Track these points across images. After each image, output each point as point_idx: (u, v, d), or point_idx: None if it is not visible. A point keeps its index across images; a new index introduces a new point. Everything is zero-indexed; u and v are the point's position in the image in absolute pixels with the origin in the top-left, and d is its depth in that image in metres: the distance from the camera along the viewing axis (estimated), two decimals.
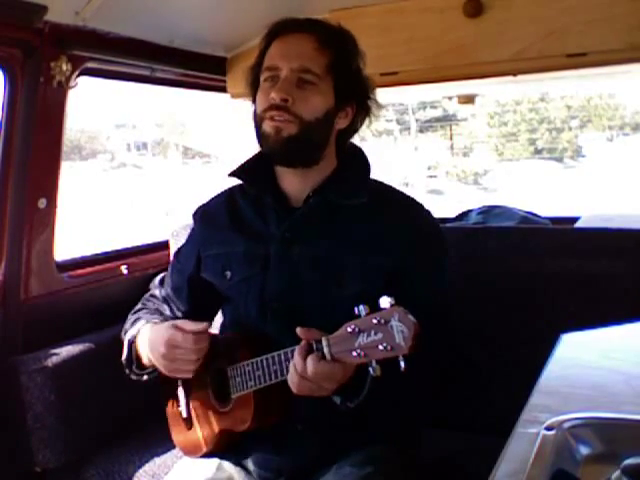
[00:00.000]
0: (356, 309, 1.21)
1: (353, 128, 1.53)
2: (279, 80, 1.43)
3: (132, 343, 1.57)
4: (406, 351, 1.16)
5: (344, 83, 1.46)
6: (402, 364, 1.17)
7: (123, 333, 1.64)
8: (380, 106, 1.54)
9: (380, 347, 1.17)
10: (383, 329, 1.18)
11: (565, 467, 0.84)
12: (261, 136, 1.46)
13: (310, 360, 1.24)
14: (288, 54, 1.45)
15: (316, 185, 1.49)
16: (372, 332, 1.18)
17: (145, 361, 1.54)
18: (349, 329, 1.21)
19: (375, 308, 1.20)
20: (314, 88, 1.43)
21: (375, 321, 1.18)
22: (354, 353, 1.20)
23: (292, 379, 1.28)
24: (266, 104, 1.43)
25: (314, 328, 1.27)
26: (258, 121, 1.46)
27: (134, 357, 1.57)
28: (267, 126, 1.43)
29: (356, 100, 1.49)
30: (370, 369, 1.20)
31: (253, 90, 1.51)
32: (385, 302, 1.19)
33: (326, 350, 1.23)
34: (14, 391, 1.92)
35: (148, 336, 1.51)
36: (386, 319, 1.18)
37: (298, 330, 1.27)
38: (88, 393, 2.00)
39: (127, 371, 1.59)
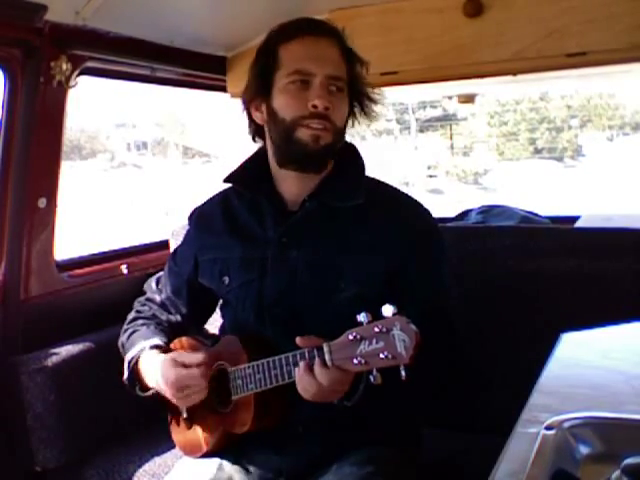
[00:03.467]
0: (358, 316, 1.21)
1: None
2: (310, 86, 1.40)
3: (132, 365, 1.57)
4: (407, 361, 1.16)
5: (357, 93, 1.48)
6: (403, 373, 1.17)
7: (120, 346, 1.64)
8: (375, 117, 1.54)
9: (381, 355, 1.18)
10: (384, 338, 1.18)
11: (565, 467, 0.84)
12: (293, 143, 1.41)
13: (318, 370, 1.24)
14: (321, 59, 1.42)
15: (312, 188, 1.48)
16: (373, 340, 1.19)
17: (150, 385, 1.54)
18: (350, 336, 1.21)
19: (376, 313, 1.20)
20: (342, 96, 1.44)
21: (377, 329, 1.18)
22: (355, 361, 1.20)
23: (305, 393, 1.28)
24: (303, 111, 1.39)
25: (313, 335, 1.28)
26: (290, 127, 1.41)
27: (136, 379, 1.57)
28: (304, 134, 1.40)
29: (360, 109, 1.51)
30: (371, 377, 1.20)
31: (263, 89, 1.45)
32: (387, 310, 1.19)
33: (327, 357, 1.23)
34: (14, 391, 1.92)
35: (154, 374, 1.50)
36: (388, 328, 1.18)
37: (297, 340, 1.27)
38: (88, 393, 2.00)
39: (131, 391, 1.59)
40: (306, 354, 1.27)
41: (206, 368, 1.44)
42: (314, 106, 1.39)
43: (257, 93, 1.47)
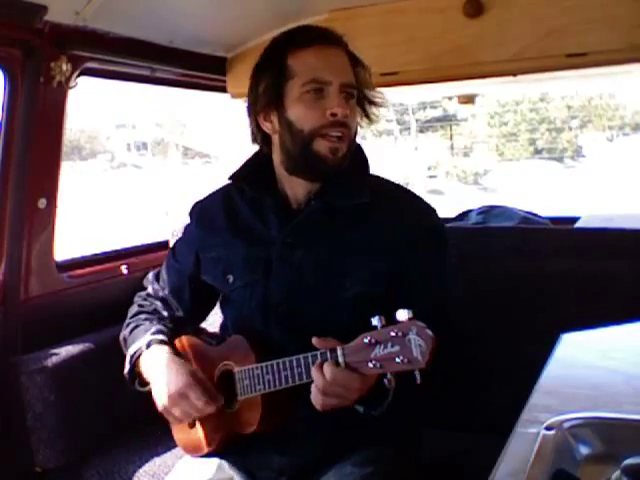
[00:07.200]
0: (372, 320, 1.21)
1: None
2: (326, 94, 1.40)
3: (134, 359, 1.56)
4: (423, 365, 1.16)
5: (362, 96, 1.48)
6: (417, 377, 1.17)
7: (122, 340, 1.63)
8: (377, 119, 1.54)
9: (397, 360, 1.18)
10: (400, 342, 1.18)
11: (565, 467, 0.84)
12: (310, 154, 1.41)
13: (327, 368, 1.24)
14: (336, 68, 1.42)
15: (317, 188, 1.48)
16: (389, 344, 1.19)
17: (148, 378, 1.53)
18: (365, 340, 1.21)
19: (382, 311, 1.20)
20: (354, 103, 1.45)
21: (393, 334, 1.19)
22: (370, 364, 1.20)
23: (315, 399, 1.28)
24: (322, 120, 1.39)
25: (321, 336, 1.28)
26: (307, 137, 1.40)
27: (136, 374, 1.57)
28: (322, 146, 1.40)
29: (364, 113, 1.52)
30: (385, 380, 1.20)
31: (273, 101, 1.43)
32: (402, 315, 1.18)
33: (340, 359, 1.24)
34: (14, 391, 1.92)
35: (160, 369, 1.49)
36: (404, 332, 1.18)
37: (314, 340, 1.27)
38: (88, 393, 2.00)
39: (129, 385, 1.59)
40: (319, 356, 1.27)
41: (213, 407, 1.45)
42: (333, 114, 1.39)
43: (267, 104, 1.45)
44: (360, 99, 1.49)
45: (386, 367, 1.19)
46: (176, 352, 1.56)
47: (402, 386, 1.24)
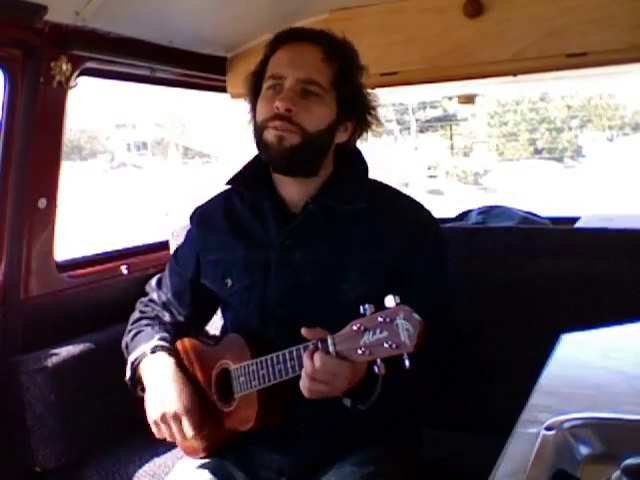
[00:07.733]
0: (361, 308, 1.22)
1: (352, 142, 1.53)
2: (283, 89, 1.42)
3: (135, 365, 1.56)
4: (411, 349, 1.16)
5: (347, 98, 1.46)
6: (407, 362, 1.17)
7: (124, 347, 1.63)
8: (380, 123, 1.53)
9: (385, 345, 1.18)
10: (388, 327, 1.18)
11: (565, 467, 0.84)
12: (262, 145, 1.45)
13: (317, 356, 1.24)
14: (294, 63, 1.44)
15: (314, 191, 1.48)
16: (377, 330, 1.19)
17: (146, 381, 1.54)
18: (354, 327, 1.22)
19: (380, 308, 1.20)
20: (318, 100, 1.43)
21: (380, 319, 1.19)
22: (359, 351, 1.21)
23: (303, 383, 1.28)
24: (270, 113, 1.42)
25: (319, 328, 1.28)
26: (259, 129, 1.45)
27: (138, 381, 1.57)
28: (269, 135, 1.42)
29: (357, 116, 1.50)
30: (375, 367, 1.20)
31: (253, 97, 1.50)
32: (390, 301, 1.19)
33: (331, 349, 1.24)
34: (14, 391, 1.92)
35: (159, 376, 1.50)
36: (391, 317, 1.18)
37: (303, 330, 1.27)
38: (88, 393, 2.00)
39: (132, 391, 1.59)
40: (310, 347, 1.28)
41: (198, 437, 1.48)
42: (277, 107, 1.40)
43: (250, 103, 1.51)
44: (345, 99, 1.46)
45: (375, 353, 1.20)
46: (178, 361, 1.56)
47: (398, 383, 1.25)
